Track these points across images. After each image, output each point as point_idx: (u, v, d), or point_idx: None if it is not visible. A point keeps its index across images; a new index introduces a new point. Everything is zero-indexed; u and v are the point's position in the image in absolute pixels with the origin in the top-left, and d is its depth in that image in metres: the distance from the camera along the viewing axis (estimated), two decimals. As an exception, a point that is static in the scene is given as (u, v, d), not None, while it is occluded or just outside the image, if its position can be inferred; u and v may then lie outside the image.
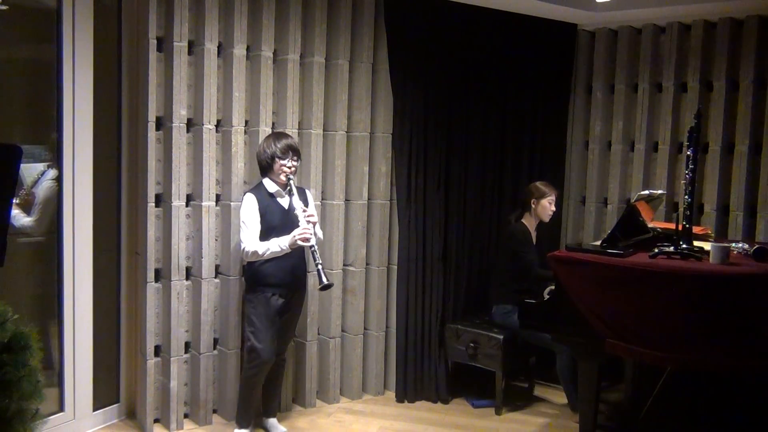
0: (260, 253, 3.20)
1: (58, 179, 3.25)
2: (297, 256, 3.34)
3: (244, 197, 3.31)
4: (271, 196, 3.30)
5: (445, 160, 4.09)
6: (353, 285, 3.97)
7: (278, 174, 3.27)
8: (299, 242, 3.16)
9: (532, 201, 3.96)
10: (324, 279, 3.10)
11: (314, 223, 3.25)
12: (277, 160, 3.25)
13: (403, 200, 3.95)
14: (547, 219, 3.99)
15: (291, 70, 3.65)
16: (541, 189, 3.95)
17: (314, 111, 3.75)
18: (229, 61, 3.50)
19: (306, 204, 3.38)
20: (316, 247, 3.16)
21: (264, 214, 3.26)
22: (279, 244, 3.21)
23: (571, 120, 4.64)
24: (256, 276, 3.29)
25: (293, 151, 3.28)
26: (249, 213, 3.25)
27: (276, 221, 3.27)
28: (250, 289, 3.33)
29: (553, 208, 3.96)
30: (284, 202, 3.32)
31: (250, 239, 3.22)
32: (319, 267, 3.12)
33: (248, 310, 3.33)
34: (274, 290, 3.28)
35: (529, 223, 4.00)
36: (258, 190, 3.32)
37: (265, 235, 3.25)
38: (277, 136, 3.33)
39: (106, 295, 3.50)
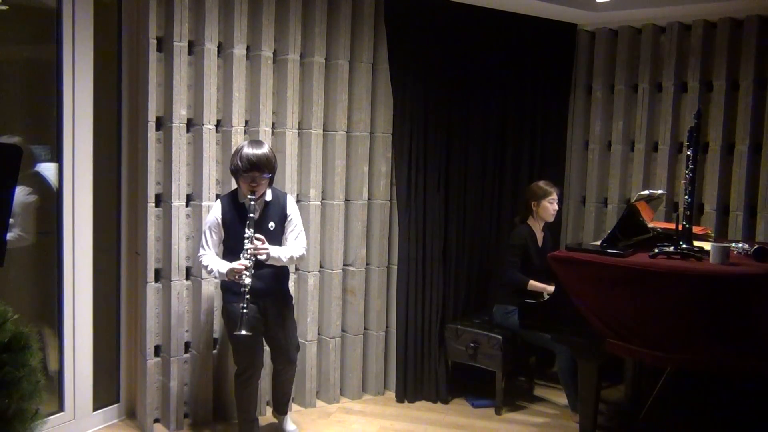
0: (208, 269, 3.11)
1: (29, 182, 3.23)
2: (265, 266, 3.12)
3: (214, 203, 3.23)
4: (240, 206, 3.13)
5: (445, 160, 4.09)
6: (353, 285, 3.97)
7: (243, 189, 3.10)
8: (235, 276, 2.97)
9: (532, 203, 3.89)
10: (243, 330, 2.90)
11: (261, 258, 3.02)
12: (238, 174, 3.08)
13: (403, 200, 3.95)
14: (550, 219, 3.91)
15: (291, 70, 3.65)
16: (541, 189, 3.86)
17: (314, 111, 3.75)
18: (229, 61, 3.51)
19: (284, 215, 3.22)
20: (248, 287, 2.93)
21: (229, 224, 3.13)
22: (219, 270, 3.05)
23: (571, 120, 4.65)
24: (226, 284, 3.19)
25: (259, 169, 3.03)
26: (208, 222, 3.16)
27: (238, 236, 3.05)
28: (223, 298, 3.26)
29: (556, 207, 3.87)
30: (248, 223, 3.07)
31: (204, 249, 3.14)
32: (243, 311, 2.91)
33: (225, 321, 3.28)
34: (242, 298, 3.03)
35: (534, 224, 3.93)
36: (228, 197, 3.20)
37: (229, 246, 3.14)
38: (248, 145, 3.09)
39: (106, 295, 3.50)
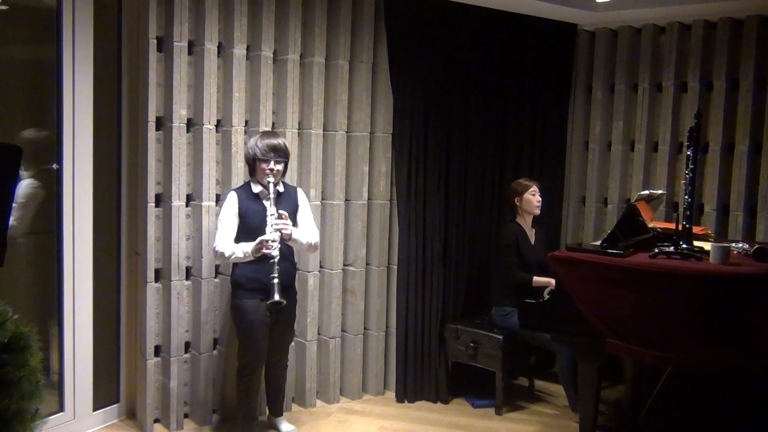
0: (226, 255, 3.13)
1: (37, 177, 3.24)
2: (284, 258, 3.18)
3: (228, 195, 3.27)
4: (255, 196, 3.23)
5: (445, 160, 4.09)
6: (353, 285, 3.97)
7: (260, 176, 3.21)
8: (263, 251, 3.04)
9: (515, 200, 3.96)
10: (275, 296, 2.97)
11: (286, 233, 3.10)
12: (257, 161, 3.17)
13: (403, 200, 3.95)
14: (537, 211, 3.95)
15: (291, 70, 3.65)
16: (521, 185, 3.97)
17: (314, 111, 3.75)
18: (229, 61, 3.50)
19: (296, 206, 3.31)
20: (277, 259, 3.02)
21: (244, 215, 3.19)
22: (243, 250, 3.11)
23: (571, 120, 4.64)
24: (237, 280, 3.24)
25: (276, 152, 3.17)
26: (226, 212, 3.20)
27: (256, 223, 3.15)
28: (233, 294, 3.28)
29: (539, 199, 3.94)
30: (269, 203, 3.19)
31: (222, 239, 3.17)
32: (274, 281, 2.98)
33: (235, 317, 3.30)
34: (261, 295, 3.15)
35: (523, 222, 3.98)
36: (242, 189, 3.27)
37: (244, 237, 3.18)
38: (263, 135, 3.23)
39: (106, 295, 3.50)
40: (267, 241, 3.04)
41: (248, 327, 3.22)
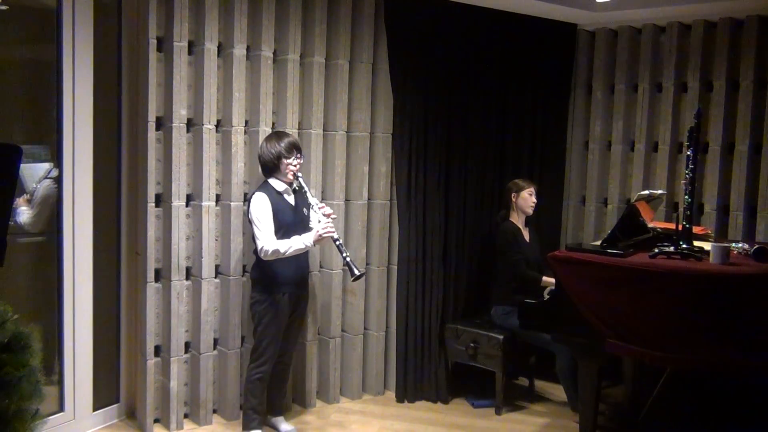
0: (282, 251, 3.19)
1: (57, 179, 3.26)
2: (303, 255, 3.36)
3: (255, 197, 3.26)
4: (279, 194, 3.30)
5: (445, 160, 4.09)
6: (353, 285, 3.97)
7: (285, 173, 3.28)
8: (324, 236, 3.19)
9: (512, 195, 4.02)
10: (356, 270, 3.16)
11: (334, 217, 3.29)
12: (283, 159, 3.26)
13: (403, 200, 3.95)
14: (530, 211, 4.01)
15: (291, 70, 3.65)
16: (519, 183, 4.04)
17: (314, 111, 3.75)
18: (229, 61, 3.50)
19: (308, 204, 3.40)
20: (341, 239, 3.20)
21: (276, 213, 3.26)
22: (303, 242, 3.21)
23: (571, 120, 4.64)
24: (267, 276, 3.29)
25: (297, 149, 3.31)
26: (264, 212, 3.22)
27: (288, 219, 3.28)
28: (262, 289, 3.31)
29: (534, 200, 4.01)
30: (291, 200, 3.34)
31: (268, 238, 3.21)
32: (348, 259, 3.18)
33: (258, 311, 3.32)
34: (285, 289, 3.30)
35: (516, 220, 4.02)
36: (266, 189, 3.30)
37: (276, 234, 3.24)
38: (278, 135, 3.33)
39: (106, 295, 3.50)
40: (328, 228, 3.19)
41: (274, 321, 3.29)
